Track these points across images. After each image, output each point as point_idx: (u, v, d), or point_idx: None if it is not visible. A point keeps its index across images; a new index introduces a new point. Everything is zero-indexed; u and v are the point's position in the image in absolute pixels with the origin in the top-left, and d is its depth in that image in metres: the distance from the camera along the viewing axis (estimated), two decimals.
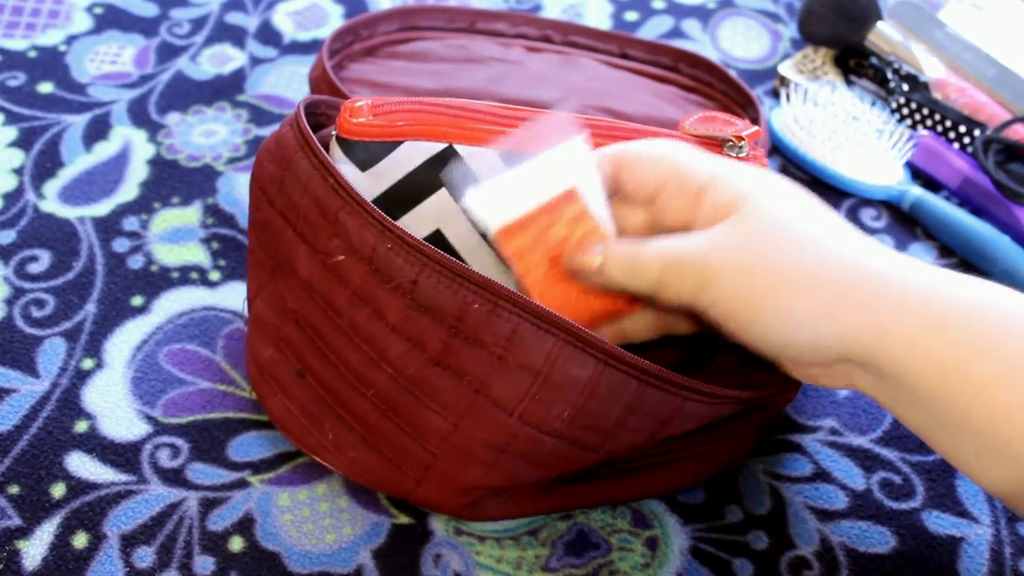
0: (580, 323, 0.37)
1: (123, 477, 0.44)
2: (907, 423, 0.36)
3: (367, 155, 0.40)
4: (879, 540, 0.44)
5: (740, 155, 0.43)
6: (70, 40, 0.65)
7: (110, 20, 0.67)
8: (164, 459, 0.45)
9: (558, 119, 0.39)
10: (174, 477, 0.44)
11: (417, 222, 0.42)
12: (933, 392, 0.34)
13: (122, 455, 0.45)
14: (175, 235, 0.54)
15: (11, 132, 0.59)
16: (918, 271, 0.35)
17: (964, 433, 0.34)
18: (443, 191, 0.41)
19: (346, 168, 0.40)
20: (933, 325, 0.34)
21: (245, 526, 0.43)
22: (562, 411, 0.37)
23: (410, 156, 0.41)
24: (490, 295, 0.36)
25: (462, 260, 0.42)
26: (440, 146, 0.41)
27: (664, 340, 0.43)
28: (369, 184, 0.41)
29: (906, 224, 0.58)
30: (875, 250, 0.36)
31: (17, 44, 0.65)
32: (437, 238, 0.42)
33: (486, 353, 0.36)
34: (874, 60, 0.64)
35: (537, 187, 0.39)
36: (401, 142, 0.40)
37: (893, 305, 0.34)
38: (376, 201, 0.41)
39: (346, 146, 0.40)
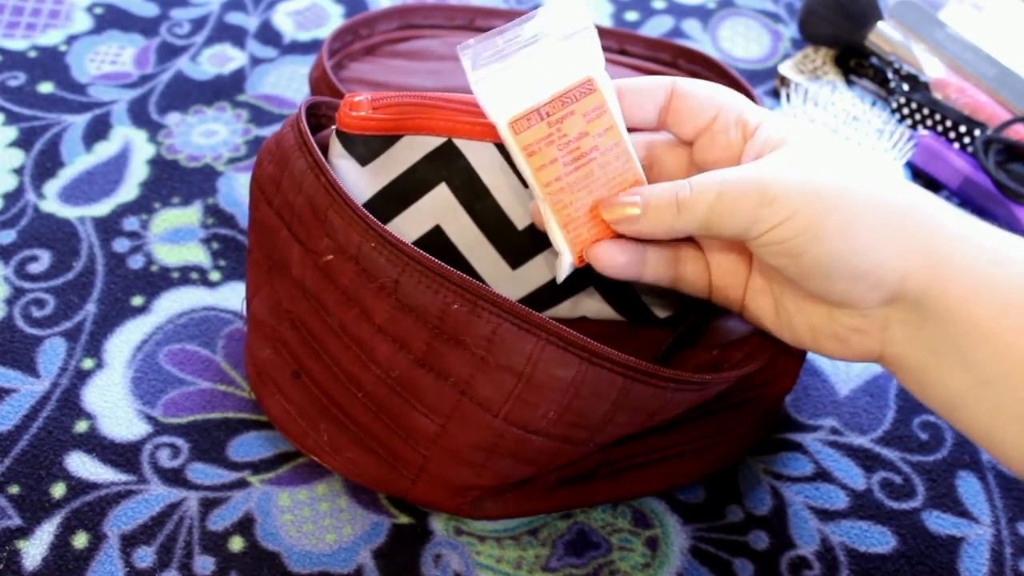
0: (604, 236, 0.36)
1: (123, 477, 0.44)
2: (940, 389, 0.35)
3: (367, 150, 0.40)
4: (879, 540, 0.44)
5: None
6: (70, 40, 0.65)
7: (110, 20, 0.67)
8: (164, 459, 0.45)
9: (570, 9, 0.37)
10: (174, 477, 0.44)
11: (416, 218, 0.42)
12: (986, 332, 0.33)
13: (122, 455, 0.45)
14: (175, 235, 0.54)
15: (11, 132, 0.59)
16: (967, 216, 0.35)
17: (1012, 387, 0.33)
18: (443, 186, 0.41)
19: (347, 163, 0.40)
20: (994, 258, 0.33)
21: (245, 526, 0.43)
22: (547, 411, 0.36)
23: (409, 151, 0.40)
24: (470, 295, 0.36)
25: (462, 257, 0.42)
26: (439, 140, 0.40)
27: (653, 320, 0.42)
28: (369, 179, 0.41)
29: None
30: (924, 192, 0.36)
31: (17, 44, 0.65)
32: (436, 234, 0.42)
33: (468, 354, 0.36)
34: (874, 60, 0.64)
35: (550, 75, 0.35)
36: (400, 136, 0.40)
37: (953, 235, 0.34)
38: (375, 197, 0.41)
39: (346, 140, 0.40)
